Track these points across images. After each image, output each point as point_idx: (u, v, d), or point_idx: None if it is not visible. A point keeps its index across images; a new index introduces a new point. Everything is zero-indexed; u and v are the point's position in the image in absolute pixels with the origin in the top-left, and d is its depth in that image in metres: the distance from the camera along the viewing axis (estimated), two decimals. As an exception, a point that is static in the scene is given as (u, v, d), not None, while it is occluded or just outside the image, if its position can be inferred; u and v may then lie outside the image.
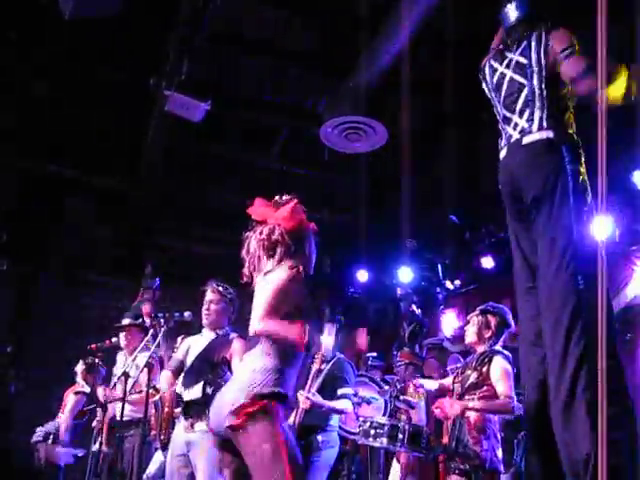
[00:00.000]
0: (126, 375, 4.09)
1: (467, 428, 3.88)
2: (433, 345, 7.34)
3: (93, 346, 5.31)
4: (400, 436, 4.07)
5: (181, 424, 4.06)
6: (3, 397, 8.17)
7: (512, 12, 3.10)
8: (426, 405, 5.23)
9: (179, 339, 4.50)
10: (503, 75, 3.04)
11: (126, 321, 5.16)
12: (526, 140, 2.88)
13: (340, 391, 4.65)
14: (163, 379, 4.22)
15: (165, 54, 5.81)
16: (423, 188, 7.52)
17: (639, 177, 5.47)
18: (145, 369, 4.06)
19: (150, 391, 4.04)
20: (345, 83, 6.05)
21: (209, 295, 4.24)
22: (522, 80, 2.94)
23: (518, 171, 2.89)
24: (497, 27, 3.29)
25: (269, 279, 2.64)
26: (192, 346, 4.26)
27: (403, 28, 5.12)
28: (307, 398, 4.42)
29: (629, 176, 5.50)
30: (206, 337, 4.25)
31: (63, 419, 5.86)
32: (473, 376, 4.00)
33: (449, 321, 8.10)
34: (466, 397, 3.97)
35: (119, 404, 4.26)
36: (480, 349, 4.10)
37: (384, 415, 4.83)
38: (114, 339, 5.21)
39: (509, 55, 3.03)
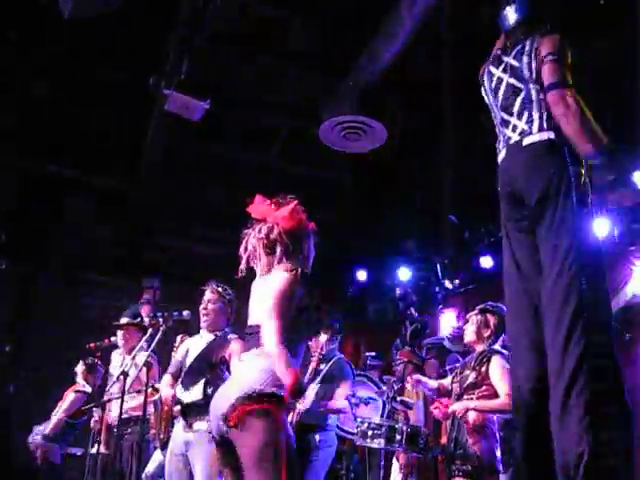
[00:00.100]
0: (125, 374, 4.08)
1: (466, 428, 3.89)
2: (433, 345, 7.32)
3: (92, 345, 5.29)
4: (398, 437, 4.07)
5: (180, 423, 4.06)
6: (2, 397, 8.17)
7: (511, 15, 3.05)
8: (424, 405, 5.23)
9: (178, 338, 4.51)
10: (500, 79, 3.01)
11: (124, 320, 5.15)
12: (527, 141, 2.83)
13: (338, 391, 4.65)
14: (164, 383, 4.23)
15: (165, 54, 5.82)
16: (422, 188, 7.53)
17: (639, 177, 5.46)
18: (144, 368, 4.06)
19: (149, 390, 4.04)
20: (345, 83, 6.06)
21: (207, 295, 4.24)
22: (518, 84, 2.91)
23: (519, 172, 2.85)
24: (496, 27, 3.27)
25: (269, 284, 2.65)
26: (191, 348, 4.26)
27: (403, 28, 5.12)
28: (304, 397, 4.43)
29: (629, 176, 5.49)
30: (205, 339, 4.24)
31: (56, 414, 5.83)
32: (472, 376, 4.00)
33: (448, 321, 8.10)
34: (465, 397, 3.97)
35: (118, 402, 4.25)
36: (479, 348, 4.10)
37: (382, 416, 4.81)
38: (113, 338, 5.19)
39: (505, 59, 3.00)
